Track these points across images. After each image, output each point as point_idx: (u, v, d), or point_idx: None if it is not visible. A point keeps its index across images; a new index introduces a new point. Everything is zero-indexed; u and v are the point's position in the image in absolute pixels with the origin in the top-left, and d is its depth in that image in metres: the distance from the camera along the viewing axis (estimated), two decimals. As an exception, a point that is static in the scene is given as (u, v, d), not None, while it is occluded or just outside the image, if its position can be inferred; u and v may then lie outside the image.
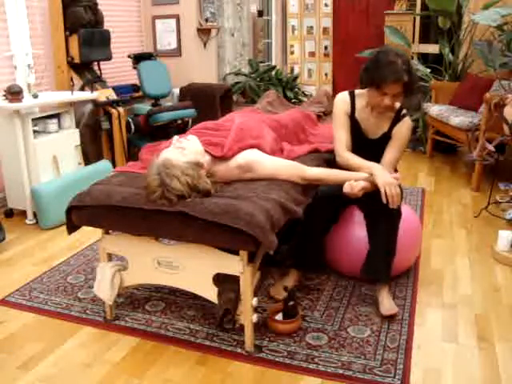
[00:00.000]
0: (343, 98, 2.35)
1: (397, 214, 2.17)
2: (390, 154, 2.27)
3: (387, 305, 2.17)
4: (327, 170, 2.23)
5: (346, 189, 2.09)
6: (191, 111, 4.42)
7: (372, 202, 2.13)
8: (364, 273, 2.26)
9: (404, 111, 2.30)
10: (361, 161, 2.22)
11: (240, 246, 1.80)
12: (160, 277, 2.05)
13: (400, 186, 2.37)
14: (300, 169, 2.15)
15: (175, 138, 2.06)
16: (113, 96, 4.05)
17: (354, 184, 2.09)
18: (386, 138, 2.29)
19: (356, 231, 2.34)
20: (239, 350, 1.96)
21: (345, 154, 2.28)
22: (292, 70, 6.95)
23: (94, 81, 4.01)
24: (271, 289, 2.37)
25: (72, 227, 2.12)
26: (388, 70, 2.05)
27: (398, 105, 2.26)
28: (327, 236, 2.38)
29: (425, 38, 5.62)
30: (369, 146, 2.31)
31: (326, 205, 2.25)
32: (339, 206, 2.35)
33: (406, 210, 2.43)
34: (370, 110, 2.28)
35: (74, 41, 3.86)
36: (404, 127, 2.28)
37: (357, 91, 2.33)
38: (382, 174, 2.10)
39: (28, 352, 1.99)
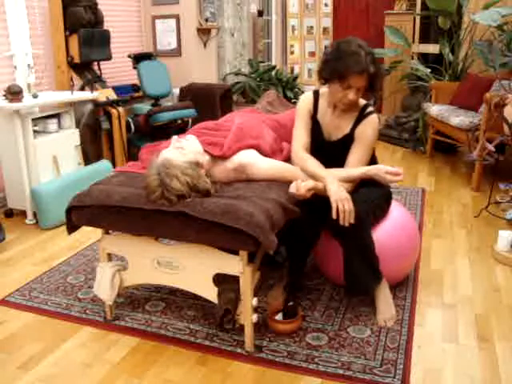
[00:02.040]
0: (307, 96, 2.24)
1: (362, 230, 2.01)
2: (354, 156, 2.12)
3: (383, 311, 2.12)
4: (327, 172, 2.13)
5: (292, 189, 1.96)
6: (191, 111, 4.42)
7: (331, 219, 1.96)
8: (348, 291, 2.16)
9: (370, 109, 2.14)
10: (316, 167, 2.08)
11: (240, 246, 1.80)
12: (160, 277, 2.05)
13: (388, 188, 2.25)
14: (297, 174, 2.11)
15: (174, 137, 2.06)
16: (113, 96, 4.05)
17: (300, 184, 1.94)
18: (348, 139, 2.14)
19: None
20: (239, 350, 1.96)
21: (301, 154, 2.15)
22: (292, 70, 6.95)
23: (93, 81, 4.01)
24: (269, 295, 2.32)
25: (72, 227, 2.12)
26: (351, 60, 1.92)
27: (362, 102, 2.14)
28: (322, 247, 2.29)
29: (425, 38, 5.62)
30: (328, 149, 2.19)
31: (308, 221, 2.11)
32: (321, 219, 2.13)
33: (404, 215, 2.37)
34: (331, 110, 2.15)
35: (74, 41, 3.86)
36: (368, 127, 2.11)
37: (321, 90, 2.22)
38: (335, 189, 1.95)
39: (28, 352, 1.99)
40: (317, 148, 2.22)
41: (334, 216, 1.93)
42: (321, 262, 2.40)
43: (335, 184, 1.99)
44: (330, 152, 2.18)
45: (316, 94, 2.24)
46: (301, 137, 2.21)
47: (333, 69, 1.99)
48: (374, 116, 2.14)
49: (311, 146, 2.22)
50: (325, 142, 2.22)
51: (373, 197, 2.13)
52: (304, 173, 2.10)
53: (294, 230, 2.13)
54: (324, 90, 2.20)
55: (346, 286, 2.17)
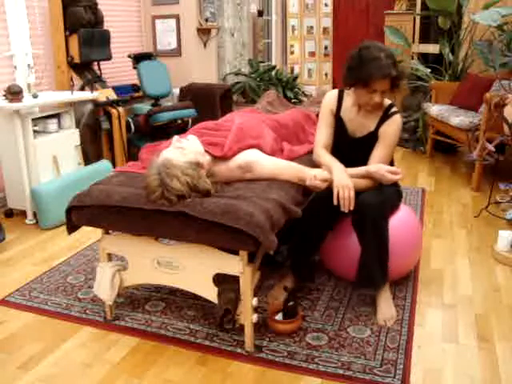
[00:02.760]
0: (331, 95, 2.32)
1: (380, 217, 2.09)
2: (378, 152, 2.19)
3: (384, 311, 2.14)
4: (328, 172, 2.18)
5: (308, 181, 2.06)
6: (191, 111, 4.42)
7: (356, 209, 2.06)
8: (358, 283, 2.18)
9: (394, 109, 2.23)
10: (328, 159, 2.18)
11: (240, 246, 1.80)
12: (160, 277, 2.05)
13: (399, 188, 2.33)
14: (300, 170, 2.13)
15: (175, 137, 2.06)
16: (113, 96, 4.05)
17: (314, 174, 2.05)
18: (372, 137, 2.22)
19: (355, 236, 2.25)
20: (239, 350, 1.96)
21: (319, 152, 2.25)
22: (292, 70, 6.95)
23: (93, 81, 4.01)
24: (270, 294, 2.33)
25: (72, 227, 2.12)
26: (374, 66, 2.00)
27: (387, 102, 2.21)
28: (325, 242, 2.31)
29: (425, 38, 5.62)
30: (353, 146, 2.26)
31: (319, 212, 2.17)
32: (334, 211, 2.21)
33: (407, 213, 2.40)
34: (356, 109, 2.23)
35: (74, 41, 3.86)
36: (393, 126, 2.20)
37: (347, 90, 2.29)
38: (338, 175, 2.05)
39: (28, 352, 1.99)
40: (341, 144, 2.28)
41: (335, 202, 2.02)
42: (325, 256, 2.41)
43: (340, 172, 2.07)
44: (354, 148, 2.25)
45: (341, 92, 2.31)
46: (321, 135, 2.30)
47: (357, 76, 2.07)
48: (398, 116, 2.22)
49: (335, 143, 2.30)
50: (349, 138, 2.28)
51: (388, 193, 2.21)
52: (319, 166, 2.19)
53: (307, 221, 2.17)
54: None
55: (358, 279, 2.17)
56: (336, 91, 2.32)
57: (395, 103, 2.29)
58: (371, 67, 2.00)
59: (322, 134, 2.29)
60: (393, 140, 2.20)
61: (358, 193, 2.09)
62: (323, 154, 2.23)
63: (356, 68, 2.06)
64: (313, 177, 2.05)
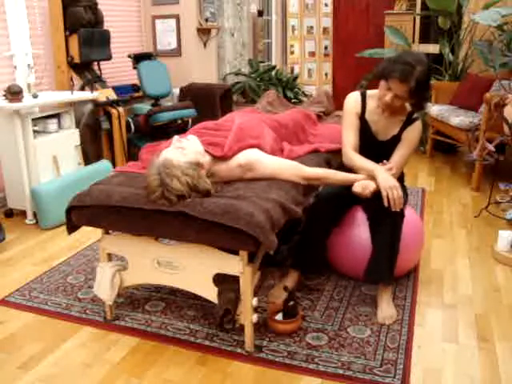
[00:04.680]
0: (354, 97, 2.34)
1: (400, 215, 2.15)
2: (399, 154, 2.27)
3: (385, 310, 2.15)
4: (328, 170, 2.24)
5: (357, 189, 2.12)
6: (191, 111, 4.42)
7: (374, 203, 2.13)
8: (367, 275, 2.22)
9: (415, 114, 2.30)
10: (364, 161, 2.22)
11: (240, 246, 1.80)
12: (160, 277, 2.05)
13: (405, 188, 2.39)
14: (300, 169, 2.15)
15: (175, 137, 2.06)
16: (113, 96, 4.05)
17: (365, 184, 2.11)
18: (396, 140, 2.29)
19: (359, 232, 2.32)
20: (239, 350, 1.96)
21: (349, 154, 2.28)
22: (292, 70, 6.95)
23: (93, 81, 4.01)
24: (270, 293, 2.33)
25: (72, 227, 2.12)
26: (401, 67, 2.04)
27: (409, 108, 2.26)
28: (329, 238, 2.35)
29: (425, 38, 5.62)
30: (377, 148, 2.31)
31: (327, 207, 2.23)
32: (340, 208, 2.34)
33: (409, 212, 2.39)
34: (380, 112, 2.26)
35: (74, 41, 3.86)
36: (415, 131, 2.28)
37: (369, 92, 2.33)
38: (384, 177, 2.10)
39: (28, 352, 1.99)
40: (366, 146, 2.31)
41: (386, 204, 2.07)
42: (331, 254, 2.44)
43: (384, 173, 2.12)
44: (378, 150, 2.29)
45: (363, 94, 2.33)
46: (349, 138, 2.31)
47: (384, 67, 2.12)
48: (419, 122, 2.30)
49: (360, 144, 2.32)
50: (374, 140, 2.32)
51: (404, 191, 2.26)
52: (353, 168, 2.24)
53: (311, 219, 2.24)
54: (371, 92, 2.32)
55: (367, 273, 2.21)
56: (358, 93, 2.34)
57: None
58: (398, 66, 2.05)
59: (350, 136, 2.30)
60: (415, 143, 2.29)
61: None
62: (356, 157, 2.25)
63: (389, 61, 2.12)
64: (362, 187, 2.11)
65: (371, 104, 2.30)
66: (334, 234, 2.35)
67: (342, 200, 2.27)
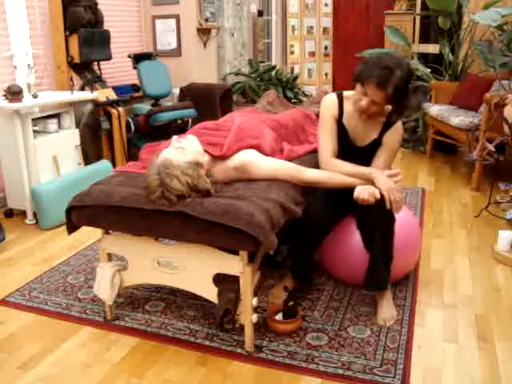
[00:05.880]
0: (330, 100, 2.20)
1: (390, 220, 2.08)
2: (381, 161, 2.15)
3: (385, 311, 2.14)
4: (327, 173, 2.14)
5: (363, 196, 1.99)
6: (191, 111, 4.42)
7: (363, 211, 2.06)
8: (367, 287, 2.17)
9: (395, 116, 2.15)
10: (354, 167, 2.11)
11: (240, 246, 1.80)
12: (160, 277, 2.05)
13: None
14: (298, 171, 2.11)
15: (174, 137, 2.06)
16: (113, 96, 4.05)
17: (371, 191, 1.98)
18: (376, 145, 2.17)
19: (355, 239, 2.23)
20: (239, 350, 1.96)
21: (332, 161, 2.15)
22: (292, 70, 6.95)
23: (93, 81, 4.01)
24: (270, 294, 2.33)
25: (72, 227, 2.12)
26: (379, 72, 1.92)
27: (388, 109, 2.13)
28: (324, 246, 2.30)
29: (425, 38, 5.62)
30: (355, 154, 2.18)
31: (316, 224, 2.11)
32: (332, 219, 2.21)
33: (406, 214, 2.38)
34: (358, 116, 2.13)
35: (74, 41, 3.86)
36: (396, 133, 2.16)
37: (345, 93, 2.19)
38: (384, 179, 2.03)
39: (28, 352, 1.99)
40: (343, 152, 2.20)
41: (388, 206, 1.99)
42: (325, 259, 2.41)
43: (382, 175, 2.05)
44: (356, 156, 2.17)
45: (340, 96, 2.20)
46: (328, 144, 2.18)
47: (362, 70, 2.01)
48: (400, 123, 2.18)
49: (338, 150, 2.21)
50: (352, 146, 2.21)
51: None
52: (342, 175, 2.11)
53: (304, 224, 2.13)
54: (348, 93, 2.20)
55: (367, 283, 2.15)
56: (334, 96, 2.21)
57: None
58: (376, 71, 1.93)
59: (328, 143, 2.18)
60: (396, 147, 2.19)
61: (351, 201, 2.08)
62: (342, 164, 2.13)
63: (368, 64, 2.00)
64: (369, 193, 1.98)
65: (349, 107, 2.16)
66: (330, 240, 2.28)
67: (333, 212, 2.17)
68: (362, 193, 2.00)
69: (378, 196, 1.99)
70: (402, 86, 1.95)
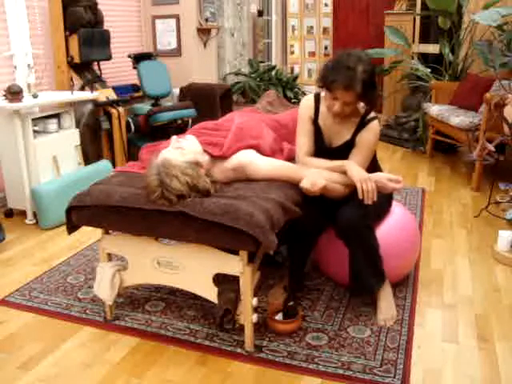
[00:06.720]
0: (308, 101, 2.21)
1: (365, 230, 2.06)
2: (354, 160, 2.10)
3: (385, 311, 2.13)
4: (329, 175, 2.10)
5: (306, 185, 1.97)
6: (191, 111, 4.42)
7: (337, 223, 2.07)
8: (351, 293, 2.19)
9: (371, 115, 2.12)
10: (326, 161, 2.11)
11: (240, 246, 1.80)
12: (160, 277, 2.05)
13: (390, 196, 2.29)
14: (296, 171, 2.10)
15: (174, 137, 2.06)
16: (113, 96, 4.05)
17: (314, 180, 1.97)
18: (349, 146, 2.14)
19: None
20: (239, 350, 1.96)
21: (306, 160, 2.16)
22: (292, 70, 6.95)
23: (93, 81, 4.01)
24: (270, 293, 2.33)
25: (72, 227, 2.12)
26: (343, 74, 1.90)
27: (363, 109, 2.10)
28: (320, 249, 2.32)
29: (425, 38, 5.62)
30: (329, 155, 2.16)
31: (307, 221, 2.12)
32: (322, 221, 2.21)
33: (406, 214, 2.39)
34: (332, 116, 2.11)
35: (74, 41, 3.86)
36: (370, 133, 2.10)
37: (322, 94, 2.14)
38: (357, 169, 2.01)
39: (28, 352, 1.99)
40: (319, 152, 2.20)
41: (360, 196, 1.97)
42: (322, 262, 2.41)
43: (355, 165, 2.04)
44: (332, 157, 2.15)
45: (317, 97, 2.20)
46: (304, 144, 2.19)
47: (324, 77, 1.99)
48: (375, 122, 2.12)
49: (314, 150, 2.21)
50: (326, 147, 2.20)
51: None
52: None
53: (296, 228, 2.14)
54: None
55: (351, 286, 2.17)
56: (312, 96, 2.21)
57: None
58: (339, 74, 1.91)
59: (304, 143, 2.18)
60: (370, 148, 2.12)
61: (339, 205, 2.09)
62: (314, 161, 2.14)
63: (329, 69, 1.98)
64: (311, 183, 1.97)
65: (324, 108, 2.14)
66: (324, 243, 2.30)
67: (323, 213, 2.17)
68: (306, 183, 1.98)
69: (320, 185, 1.96)
70: (368, 79, 1.94)
